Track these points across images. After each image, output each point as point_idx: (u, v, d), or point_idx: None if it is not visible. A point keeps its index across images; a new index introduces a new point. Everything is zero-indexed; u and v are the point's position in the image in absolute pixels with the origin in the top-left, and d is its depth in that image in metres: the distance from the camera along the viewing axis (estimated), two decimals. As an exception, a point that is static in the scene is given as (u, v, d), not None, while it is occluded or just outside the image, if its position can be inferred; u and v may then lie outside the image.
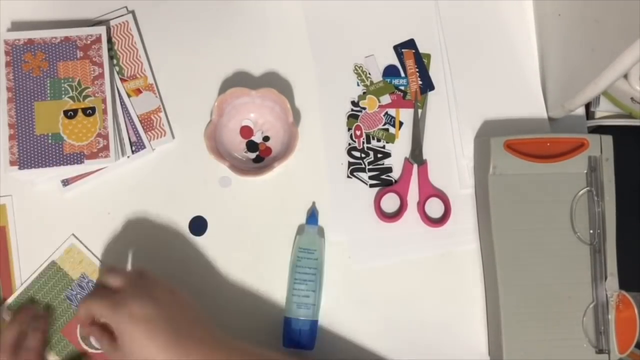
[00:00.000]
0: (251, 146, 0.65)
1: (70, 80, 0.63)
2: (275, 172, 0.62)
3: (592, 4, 0.57)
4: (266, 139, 0.65)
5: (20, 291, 0.61)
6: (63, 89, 0.63)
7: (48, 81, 0.63)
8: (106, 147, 0.62)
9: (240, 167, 0.62)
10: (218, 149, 0.62)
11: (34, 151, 0.61)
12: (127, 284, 0.53)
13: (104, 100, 0.63)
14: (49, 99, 0.62)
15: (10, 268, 0.61)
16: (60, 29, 0.64)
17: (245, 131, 0.65)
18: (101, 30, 0.64)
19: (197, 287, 0.63)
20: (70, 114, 0.62)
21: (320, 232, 0.63)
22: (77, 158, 0.62)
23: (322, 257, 0.62)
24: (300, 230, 0.64)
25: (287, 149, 0.62)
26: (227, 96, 0.62)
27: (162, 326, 0.50)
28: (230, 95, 0.62)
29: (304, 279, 0.60)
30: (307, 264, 0.61)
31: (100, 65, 0.64)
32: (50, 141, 0.62)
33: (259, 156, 0.65)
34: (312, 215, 0.63)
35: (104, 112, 0.63)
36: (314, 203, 0.64)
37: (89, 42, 0.64)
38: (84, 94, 0.63)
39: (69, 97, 0.63)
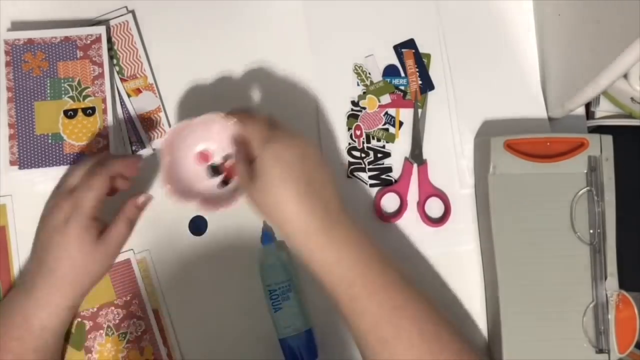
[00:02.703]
0: (214, 170, 0.60)
1: (70, 80, 0.63)
2: None
3: (592, 4, 0.57)
4: (228, 157, 0.60)
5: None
6: (63, 88, 0.63)
7: (48, 81, 0.63)
8: (106, 147, 0.62)
9: (210, 200, 0.57)
10: (181, 189, 0.57)
11: (34, 151, 0.61)
12: (276, 126, 0.53)
13: (104, 100, 0.63)
14: (49, 98, 0.62)
15: (10, 268, 0.61)
16: (60, 28, 0.64)
17: (204, 157, 0.60)
18: (101, 30, 0.64)
19: (197, 287, 0.63)
20: (70, 114, 0.62)
21: (280, 246, 0.62)
22: (77, 158, 0.62)
23: (287, 266, 0.60)
24: (259, 253, 0.62)
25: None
26: (171, 135, 0.57)
27: (297, 175, 0.51)
28: (172, 133, 0.57)
29: (279, 294, 0.59)
30: (275, 279, 0.59)
31: (100, 65, 0.64)
32: (50, 141, 0.62)
33: (226, 178, 0.60)
34: (264, 235, 0.62)
35: (104, 112, 0.63)
36: (264, 222, 0.63)
37: (89, 42, 0.64)
38: (84, 93, 0.63)
39: (69, 97, 0.63)
